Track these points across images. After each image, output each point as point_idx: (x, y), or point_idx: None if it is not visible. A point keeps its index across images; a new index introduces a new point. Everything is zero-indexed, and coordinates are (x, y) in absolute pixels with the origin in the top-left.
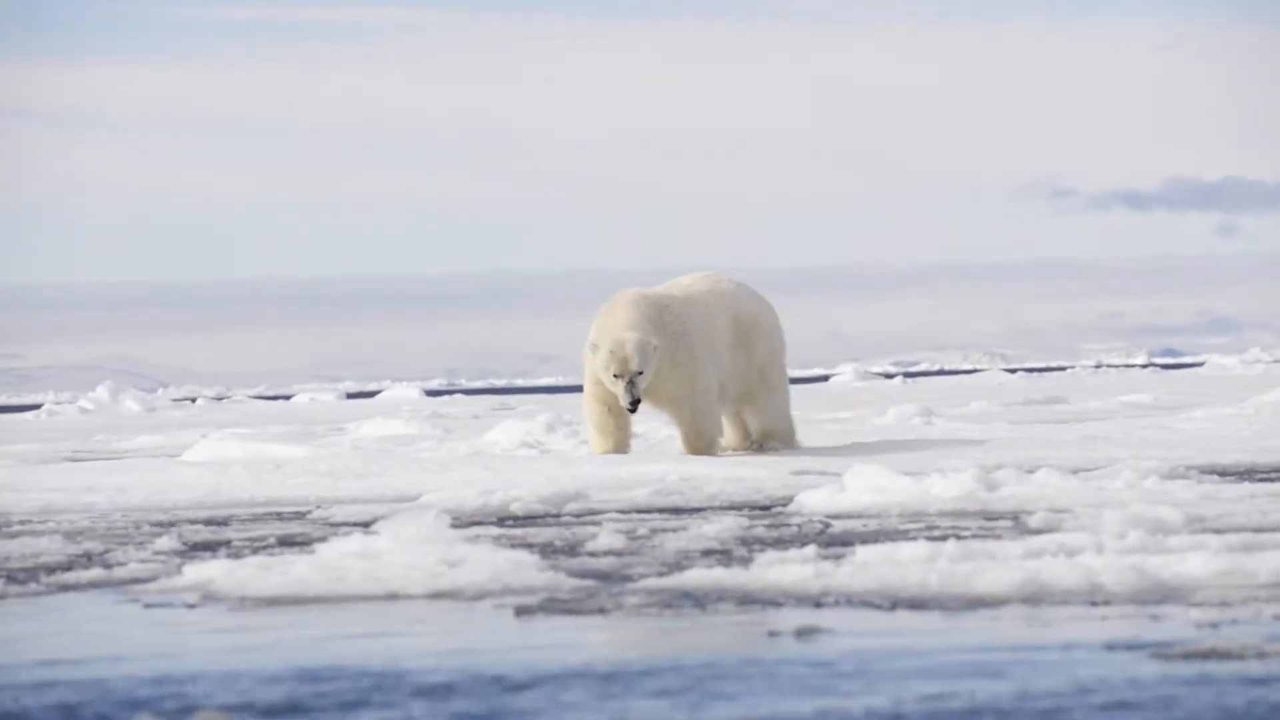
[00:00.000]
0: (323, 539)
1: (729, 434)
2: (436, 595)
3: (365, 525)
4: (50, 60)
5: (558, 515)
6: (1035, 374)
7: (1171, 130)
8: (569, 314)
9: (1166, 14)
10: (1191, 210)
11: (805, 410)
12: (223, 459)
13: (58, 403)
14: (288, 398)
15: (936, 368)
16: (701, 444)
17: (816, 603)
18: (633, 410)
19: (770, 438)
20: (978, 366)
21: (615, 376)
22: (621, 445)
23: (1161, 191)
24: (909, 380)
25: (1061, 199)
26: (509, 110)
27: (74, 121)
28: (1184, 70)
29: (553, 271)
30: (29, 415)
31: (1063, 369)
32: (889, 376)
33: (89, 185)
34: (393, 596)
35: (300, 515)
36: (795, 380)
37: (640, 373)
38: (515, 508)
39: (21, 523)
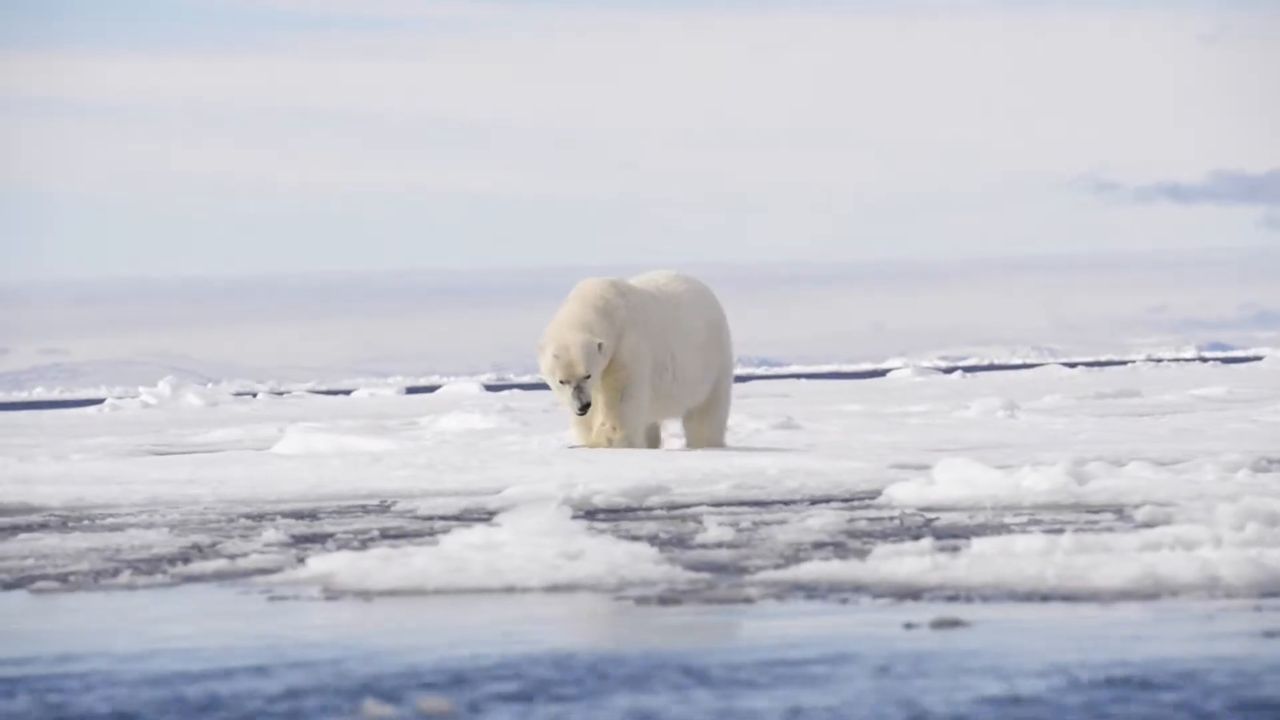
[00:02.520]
0: (442, 531)
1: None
2: (554, 588)
3: (458, 518)
4: (97, 52)
5: (648, 509)
6: (1095, 368)
7: (1216, 123)
8: None
9: (1211, 5)
10: (1236, 203)
11: (873, 405)
12: (315, 452)
13: (118, 398)
14: (346, 392)
15: (986, 362)
16: (619, 439)
17: (949, 595)
18: (582, 414)
19: (713, 447)
20: (1026, 361)
21: (561, 382)
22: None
23: (1206, 184)
24: (969, 375)
25: (1106, 192)
26: (555, 105)
27: (110, 113)
28: (1228, 62)
29: (598, 266)
30: (91, 410)
31: (1115, 363)
32: (946, 371)
33: (126, 178)
34: (510, 589)
35: (411, 510)
36: (845, 375)
37: (587, 376)
38: (597, 500)
39: (113, 514)
